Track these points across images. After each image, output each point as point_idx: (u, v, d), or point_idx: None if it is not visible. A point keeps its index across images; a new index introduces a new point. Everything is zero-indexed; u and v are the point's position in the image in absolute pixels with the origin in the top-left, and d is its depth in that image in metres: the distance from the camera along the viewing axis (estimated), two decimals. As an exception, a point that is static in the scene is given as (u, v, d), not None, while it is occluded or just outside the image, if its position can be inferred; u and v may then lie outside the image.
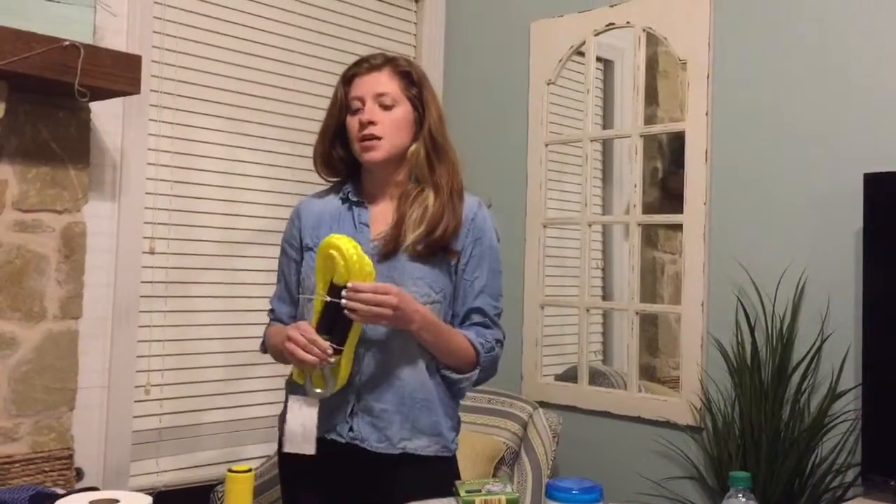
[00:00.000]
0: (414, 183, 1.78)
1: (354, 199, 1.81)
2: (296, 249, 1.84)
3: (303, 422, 1.67)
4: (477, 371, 1.78)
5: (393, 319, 1.63)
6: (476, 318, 1.79)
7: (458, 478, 1.79)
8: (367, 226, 1.78)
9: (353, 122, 1.76)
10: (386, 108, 1.74)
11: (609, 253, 3.23)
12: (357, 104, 1.75)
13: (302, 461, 1.76)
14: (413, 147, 1.77)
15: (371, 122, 1.73)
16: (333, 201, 1.84)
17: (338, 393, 1.69)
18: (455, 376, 1.76)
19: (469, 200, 1.81)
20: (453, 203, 1.76)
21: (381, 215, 1.80)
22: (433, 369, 1.76)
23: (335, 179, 1.88)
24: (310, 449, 1.67)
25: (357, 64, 1.80)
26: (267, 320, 1.93)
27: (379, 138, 1.73)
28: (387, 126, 1.74)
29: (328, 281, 1.62)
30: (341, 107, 1.79)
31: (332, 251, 1.60)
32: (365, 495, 1.73)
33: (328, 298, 1.60)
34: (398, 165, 1.78)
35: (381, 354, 1.72)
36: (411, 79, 1.78)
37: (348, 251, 1.59)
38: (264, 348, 1.92)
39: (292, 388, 1.77)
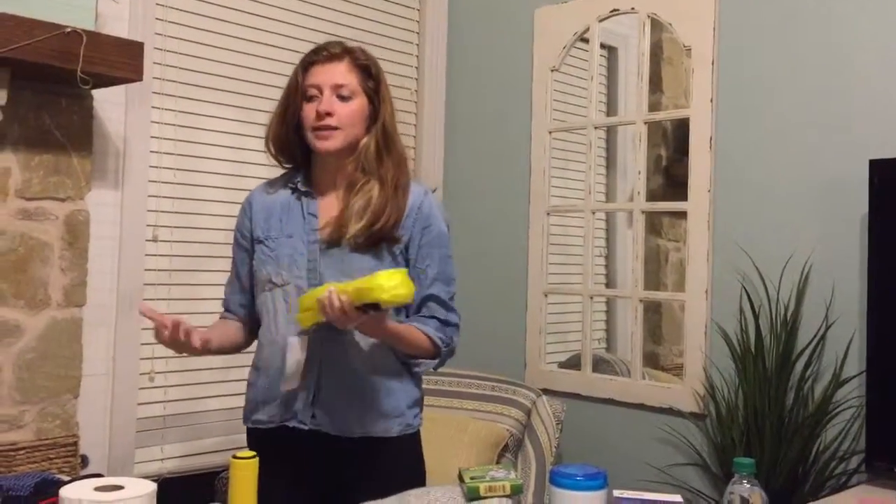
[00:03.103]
0: (361, 173, 1.79)
1: (303, 189, 1.82)
2: (247, 240, 1.88)
3: (298, 359, 1.71)
4: (436, 361, 1.82)
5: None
6: (432, 306, 1.82)
7: (421, 454, 1.85)
8: (315, 216, 1.80)
9: (309, 110, 1.76)
10: (343, 99, 1.75)
11: (613, 240, 3.22)
12: (314, 92, 1.76)
13: (268, 447, 1.78)
14: (364, 139, 1.78)
15: (328, 114, 1.74)
16: (283, 192, 1.85)
17: (301, 381, 1.75)
18: (412, 362, 1.81)
19: (415, 189, 1.83)
20: (397, 197, 1.77)
21: (329, 206, 1.82)
22: (391, 353, 1.79)
23: (288, 166, 1.89)
24: (295, 384, 1.73)
25: (316, 51, 1.79)
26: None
27: (335, 129, 1.74)
28: (343, 118, 1.75)
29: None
30: (300, 93, 1.78)
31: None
32: (331, 479, 1.77)
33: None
34: (349, 156, 1.79)
35: (339, 342, 1.74)
36: (369, 72, 1.79)
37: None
38: None
39: (252, 374, 1.87)
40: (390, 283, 1.54)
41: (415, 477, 1.82)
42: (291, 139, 1.82)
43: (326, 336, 1.74)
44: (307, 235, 1.79)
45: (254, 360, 1.90)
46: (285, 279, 1.77)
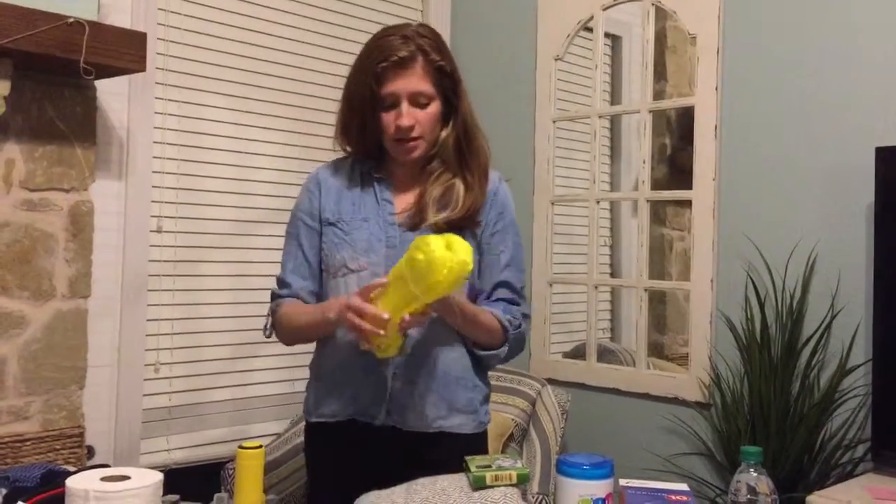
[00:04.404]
0: (438, 162, 1.75)
1: (376, 175, 1.78)
2: (315, 220, 1.78)
3: None
4: (505, 348, 1.77)
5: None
6: (503, 292, 1.78)
7: (487, 450, 1.80)
8: (389, 202, 1.76)
9: (388, 120, 1.69)
10: (420, 106, 1.69)
11: (617, 230, 3.22)
12: (390, 100, 1.68)
13: (334, 443, 1.74)
14: (443, 135, 1.74)
15: (410, 127, 1.68)
16: (353, 175, 1.80)
17: (372, 375, 1.69)
18: (483, 353, 1.76)
19: (491, 175, 1.79)
20: (480, 184, 1.74)
21: (403, 193, 1.77)
22: (465, 345, 1.75)
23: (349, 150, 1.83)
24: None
25: (384, 56, 1.65)
26: (270, 298, 1.84)
27: (418, 138, 1.70)
28: (424, 125, 1.69)
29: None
30: (374, 101, 1.69)
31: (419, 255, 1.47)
32: (400, 476, 1.67)
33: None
34: (428, 152, 1.75)
35: (413, 337, 1.68)
36: (444, 71, 1.71)
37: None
38: (271, 330, 1.81)
39: (318, 368, 1.78)
40: (443, 272, 1.42)
41: None
42: (370, 139, 1.76)
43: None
44: (383, 220, 1.73)
45: (316, 357, 1.82)
46: (362, 265, 1.71)
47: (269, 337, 1.82)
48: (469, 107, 1.77)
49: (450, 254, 1.44)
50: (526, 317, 1.81)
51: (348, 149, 1.81)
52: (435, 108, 1.71)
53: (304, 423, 1.86)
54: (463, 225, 1.72)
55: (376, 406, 1.70)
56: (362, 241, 1.72)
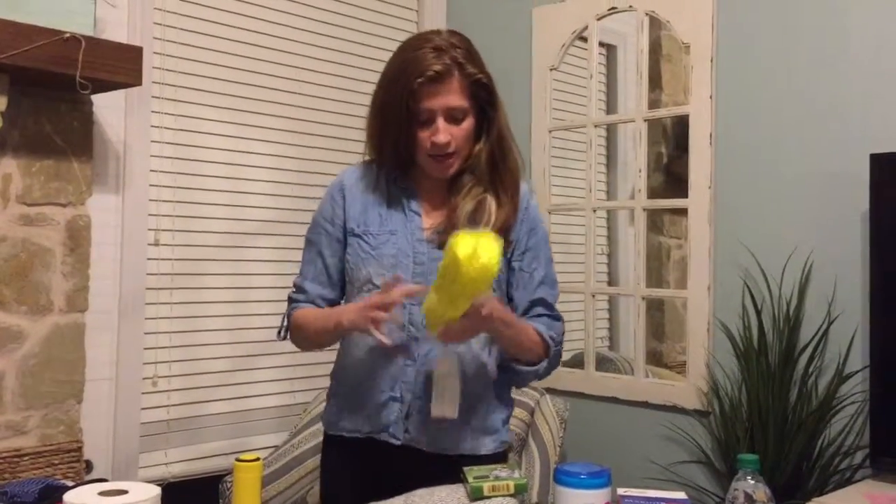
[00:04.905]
0: (469, 175, 1.70)
1: (403, 185, 1.73)
2: (339, 229, 1.74)
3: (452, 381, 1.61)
4: (545, 364, 1.73)
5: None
6: (540, 309, 1.75)
7: None
8: (418, 214, 1.71)
9: (423, 136, 1.64)
10: (455, 121, 1.64)
11: (614, 238, 3.22)
12: (426, 116, 1.62)
13: (351, 457, 1.71)
14: (477, 148, 1.70)
15: (447, 143, 1.63)
16: (380, 184, 1.74)
17: (392, 392, 1.66)
18: (523, 369, 1.71)
19: (521, 187, 1.75)
20: (513, 201, 1.70)
21: (431, 205, 1.73)
22: (491, 364, 1.71)
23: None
24: (452, 413, 1.61)
25: (419, 71, 1.59)
26: (287, 301, 1.81)
27: (453, 154, 1.66)
28: (459, 140, 1.65)
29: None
30: (408, 116, 1.62)
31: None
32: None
33: None
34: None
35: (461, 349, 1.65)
36: (480, 83, 1.67)
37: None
38: (285, 334, 1.79)
39: (338, 381, 1.76)
40: (468, 274, 1.38)
41: None
42: (404, 154, 1.70)
43: (427, 342, 1.64)
44: (411, 234, 1.68)
45: (337, 369, 1.79)
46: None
47: (283, 339, 1.80)
48: (505, 119, 1.72)
49: (472, 257, 1.40)
50: (562, 333, 1.78)
51: (387, 166, 1.74)
52: (470, 122, 1.66)
53: (304, 433, 1.86)
54: None
55: (396, 426, 1.66)
56: (389, 257, 1.67)
